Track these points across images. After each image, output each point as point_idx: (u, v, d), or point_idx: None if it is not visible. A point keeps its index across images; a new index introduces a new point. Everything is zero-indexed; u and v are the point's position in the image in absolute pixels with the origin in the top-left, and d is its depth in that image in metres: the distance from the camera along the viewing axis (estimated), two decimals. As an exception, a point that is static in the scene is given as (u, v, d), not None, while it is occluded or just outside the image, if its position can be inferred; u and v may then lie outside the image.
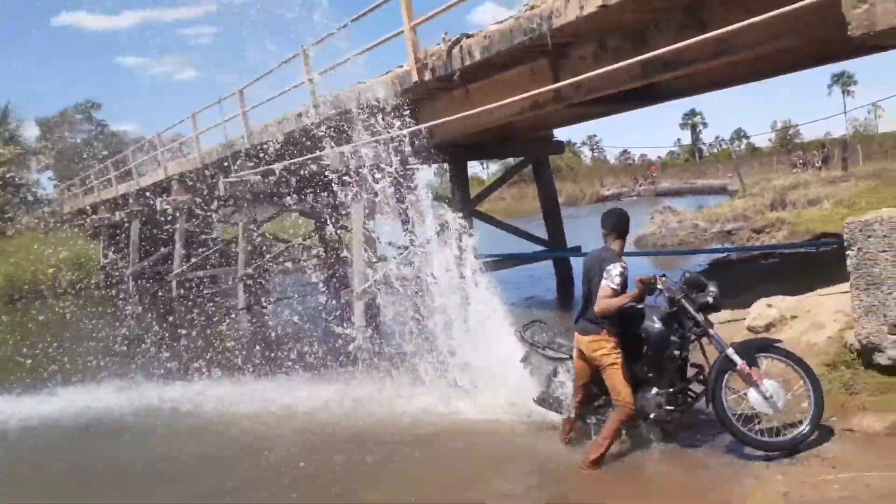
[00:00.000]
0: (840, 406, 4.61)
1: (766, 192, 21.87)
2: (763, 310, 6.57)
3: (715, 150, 77.24)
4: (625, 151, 77.93)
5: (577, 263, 11.77)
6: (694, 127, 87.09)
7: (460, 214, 7.92)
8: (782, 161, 43.47)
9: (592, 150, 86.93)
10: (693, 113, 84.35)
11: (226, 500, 4.92)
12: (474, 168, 59.61)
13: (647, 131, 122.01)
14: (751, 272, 11.08)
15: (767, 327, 6.36)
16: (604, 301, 4.48)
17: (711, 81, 10.23)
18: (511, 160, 16.78)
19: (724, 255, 13.62)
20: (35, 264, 25.20)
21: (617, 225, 4.72)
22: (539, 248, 13.43)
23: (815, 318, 5.95)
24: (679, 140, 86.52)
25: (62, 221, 31.72)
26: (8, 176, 32.68)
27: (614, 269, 4.46)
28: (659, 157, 72.88)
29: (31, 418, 7.42)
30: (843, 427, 4.34)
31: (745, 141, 76.84)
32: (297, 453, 5.53)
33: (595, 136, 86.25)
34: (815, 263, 9.85)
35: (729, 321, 7.26)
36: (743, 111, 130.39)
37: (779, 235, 14.32)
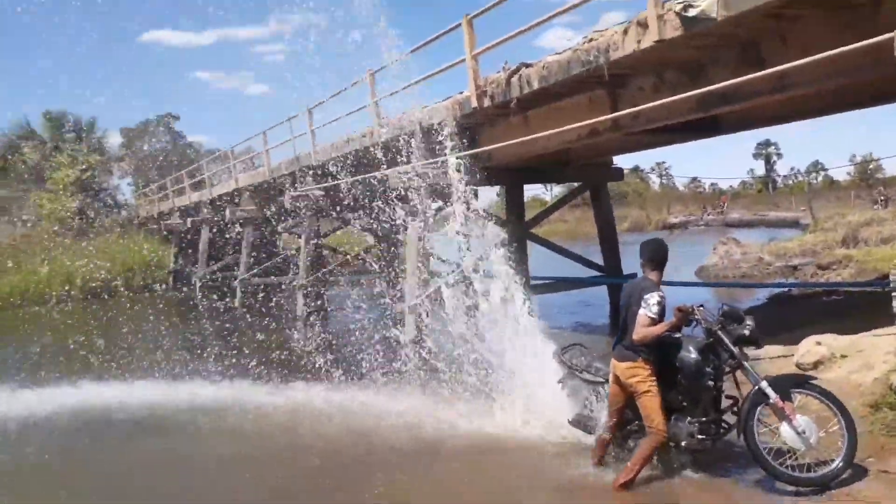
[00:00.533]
0: (880, 447, 4.58)
1: (839, 227, 21.20)
2: (812, 347, 6.54)
3: (789, 182, 74.91)
4: (694, 179, 76.46)
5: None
6: (768, 158, 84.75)
7: (504, 239, 8.10)
8: (861, 196, 41.93)
9: (661, 176, 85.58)
10: (767, 143, 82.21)
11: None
12: (537, 189, 59.58)
13: (719, 160, 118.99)
14: (811, 309, 10.88)
15: (815, 365, 6.34)
16: (642, 329, 4.60)
17: (772, 115, 10.17)
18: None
19: (786, 290, 13.34)
20: (111, 264, 26.60)
21: (655, 256, 4.84)
22: (594, 273, 13.46)
23: (866, 359, 5.91)
24: (752, 170, 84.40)
25: (138, 225, 33.39)
26: (92, 181, 34.57)
27: (652, 299, 4.58)
28: (730, 186, 71.19)
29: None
30: (880, 468, 4.31)
31: (822, 174, 74.30)
32: (339, 453, 5.80)
33: (664, 162, 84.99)
34: (878, 303, 9.59)
35: (780, 356, 7.23)
36: (820, 143, 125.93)
37: (845, 273, 13.94)
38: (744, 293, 14.32)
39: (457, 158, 10.35)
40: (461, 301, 7.99)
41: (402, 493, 5.07)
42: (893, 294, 4.78)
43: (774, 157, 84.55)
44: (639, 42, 7.22)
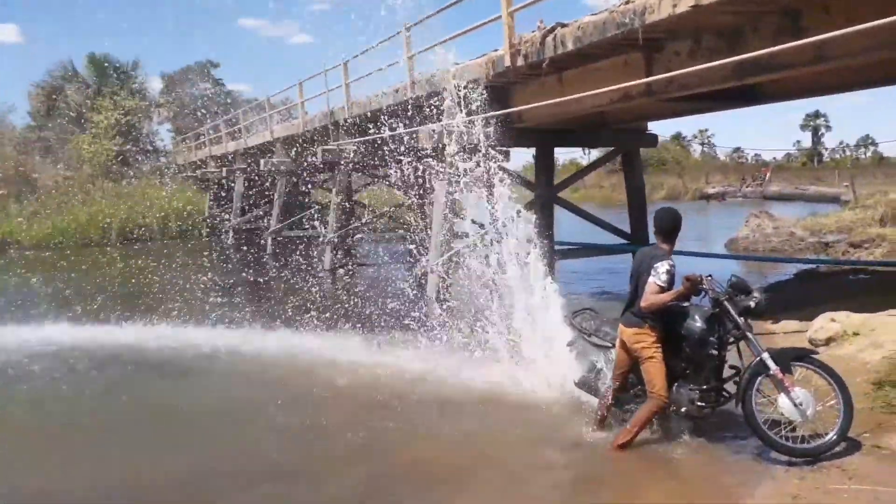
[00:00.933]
0: (877, 424, 4.63)
1: (879, 205, 20.72)
2: (826, 323, 6.56)
3: (836, 156, 72.71)
4: (737, 149, 74.68)
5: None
6: (816, 130, 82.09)
7: (520, 208, 8.14)
8: (910, 172, 40.68)
9: (703, 144, 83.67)
10: (817, 115, 79.43)
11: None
12: (575, 153, 58.82)
13: (765, 130, 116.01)
14: (835, 286, 10.74)
15: (827, 341, 6.36)
16: (650, 297, 4.68)
17: (814, 86, 9.92)
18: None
19: (813, 266, 13.18)
20: (148, 210, 27.29)
21: (666, 225, 4.89)
22: (620, 240, 13.43)
23: (877, 337, 5.91)
24: (799, 142, 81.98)
25: (175, 172, 34.03)
26: (132, 126, 35.20)
27: (662, 267, 4.65)
28: (774, 158, 69.28)
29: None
30: (873, 444, 4.37)
31: (871, 148, 71.88)
32: (360, 406, 6.06)
33: (707, 130, 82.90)
34: (905, 283, 9.50)
35: (795, 331, 7.26)
36: (874, 116, 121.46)
37: (877, 252, 13.69)
38: (772, 267, 14.19)
39: (486, 119, 10.37)
40: (484, 262, 8.09)
41: (413, 448, 5.27)
42: (907, 274, 4.73)
43: (823, 130, 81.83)
44: (674, 6, 7.10)
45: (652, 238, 5.15)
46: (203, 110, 37.88)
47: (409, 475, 4.79)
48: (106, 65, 36.71)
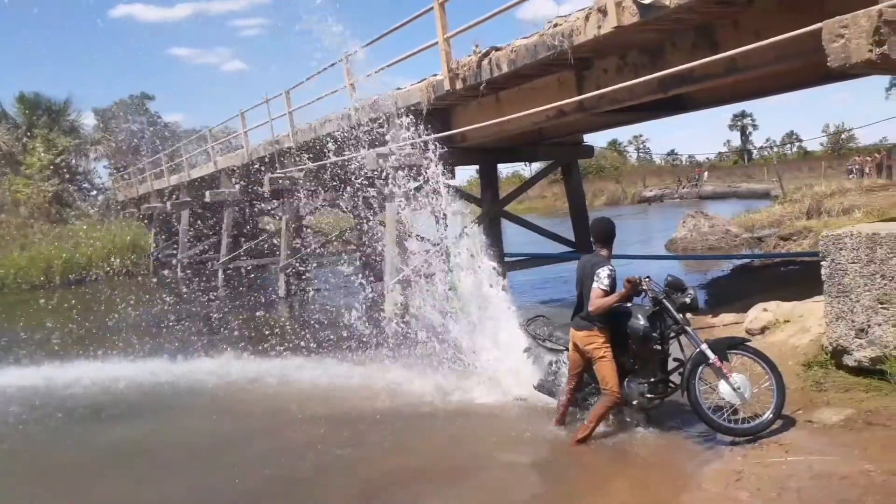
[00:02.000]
0: (809, 401, 5.09)
1: (806, 198, 21.86)
2: (760, 313, 7.06)
3: (765, 153, 75.77)
4: (672, 152, 77.21)
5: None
6: (743, 129, 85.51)
7: (474, 222, 8.47)
8: (833, 166, 42.78)
9: (638, 150, 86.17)
10: (743, 114, 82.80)
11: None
12: (518, 166, 59.84)
13: (697, 131, 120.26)
14: (768, 278, 11.43)
15: (762, 330, 6.86)
16: (596, 301, 5.06)
17: (733, 94, 10.61)
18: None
19: (748, 260, 13.93)
20: (91, 249, 26.65)
21: (602, 233, 5.32)
22: (566, 248, 13.92)
23: (804, 323, 6.42)
24: (729, 142, 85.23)
25: (117, 210, 33.33)
26: (68, 165, 34.33)
27: (603, 272, 5.04)
28: (707, 158, 71.88)
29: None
30: (806, 419, 4.82)
31: (796, 144, 75.21)
32: (326, 424, 6.25)
33: (641, 135, 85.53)
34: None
35: (733, 323, 7.77)
36: (796, 113, 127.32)
37: (805, 244, 14.52)
38: (712, 264, 14.90)
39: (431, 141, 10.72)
40: (438, 278, 8.38)
41: (390, 457, 5.51)
42: (822, 263, 5.25)
43: (750, 129, 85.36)
44: (599, 28, 7.60)
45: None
46: (141, 144, 37.31)
47: (394, 480, 5.06)
48: (36, 104, 35.73)
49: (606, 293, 5.03)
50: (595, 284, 5.04)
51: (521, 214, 16.81)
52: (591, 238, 5.38)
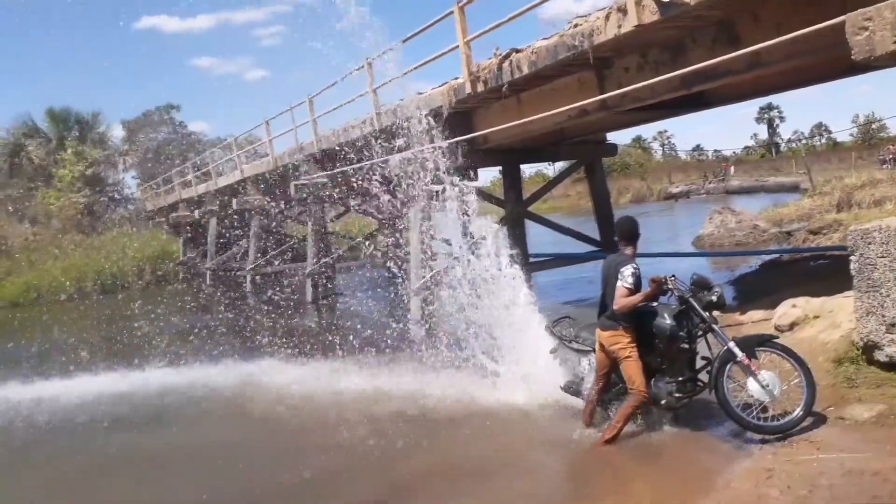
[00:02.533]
0: (840, 398, 5.05)
1: (836, 191, 21.50)
2: (788, 309, 7.00)
3: (793, 146, 74.65)
4: (697, 147, 76.45)
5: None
6: (770, 122, 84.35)
7: (497, 226, 8.49)
8: (863, 157, 41.99)
9: (663, 146, 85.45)
10: (770, 107, 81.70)
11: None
12: (540, 166, 59.69)
13: (722, 126, 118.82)
14: (798, 273, 11.28)
15: (791, 326, 6.80)
16: (621, 300, 5.07)
17: (757, 89, 10.53)
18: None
19: (776, 255, 13.76)
20: (121, 259, 27.20)
21: (626, 232, 5.33)
22: (591, 248, 13.87)
23: (834, 318, 6.35)
24: (755, 135, 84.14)
25: (146, 219, 33.93)
26: (98, 177, 35.07)
27: (627, 271, 5.06)
28: (734, 152, 71.00)
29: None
30: (837, 416, 4.78)
31: (825, 136, 73.99)
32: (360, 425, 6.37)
33: (666, 131, 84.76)
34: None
35: (762, 320, 7.70)
36: (823, 105, 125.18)
37: (835, 237, 14.29)
38: (740, 260, 14.73)
39: (451, 142, 10.79)
40: (464, 281, 8.42)
41: (420, 456, 5.60)
42: (851, 258, 5.20)
43: (777, 121, 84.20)
44: (619, 27, 7.60)
45: None
46: (169, 154, 37.92)
47: (421, 479, 5.17)
48: (66, 118, 36.57)
49: (631, 292, 5.04)
50: (619, 283, 5.06)
51: (546, 214, 16.80)
52: (616, 237, 5.40)
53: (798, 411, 4.69)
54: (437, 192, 11.98)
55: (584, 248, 13.83)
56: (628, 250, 5.30)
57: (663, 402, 5.17)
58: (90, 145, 36.12)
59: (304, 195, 16.40)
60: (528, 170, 54.97)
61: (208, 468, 5.93)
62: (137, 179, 42.07)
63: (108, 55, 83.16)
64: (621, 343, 5.15)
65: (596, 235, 13.76)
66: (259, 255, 21.18)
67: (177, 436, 7.03)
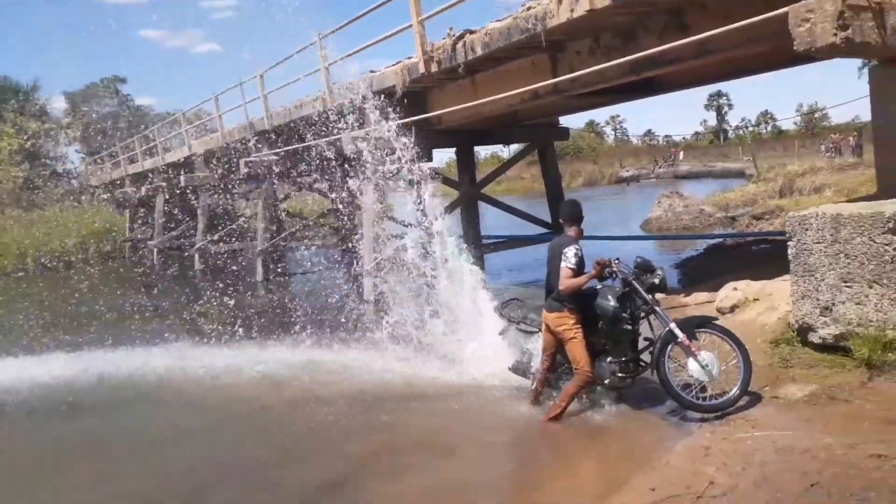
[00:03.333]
0: (775, 377, 5.24)
1: (779, 177, 22.20)
2: (730, 292, 7.20)
3: (740, 133, 76.50)
4: (648, 132, 77.72)
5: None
6: (719, 109, 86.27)
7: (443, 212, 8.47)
8: (805, 145, 43.31)
9: (615, 130, 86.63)
10: (719, 94, 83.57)
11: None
12: (495, 148, 59.85)
13: (673, 111, 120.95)
14: (740, 257, 11.65)
15: (732, 308, 7.00)
16: (566, 281, 5.16)
17: (703, 76, 10.75)
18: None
19: (721, 240, 14.16)
20: (63, 235, 26.29)
21: (570, 214, 5.46)
22: (543, 230, 14.00)
23: (773, 302, 6.56)
24: (705, 121, 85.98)
25: (90, 194, 32.83)
26: (36, 149, 33.67)
27: (570, 252, 5.17)
28: (683, 138, 72.37)
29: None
30: (772, 395, 4.96)
31: (770, 124, 76.04)
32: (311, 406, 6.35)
33: (618, 116, 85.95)
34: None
35: (705, 302, 7.91)
36: (771, 93, 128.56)
37: (777, 223, 14.78)
38: (686, 244, 15.11)
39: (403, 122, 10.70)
40: (416, 262, 8.42)
41: (367, 435, 5.62)
42: (788, 243, 5.38)
43: (725, 108, 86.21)
44: (572, 11, 7.62)
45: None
46: (114, 129, 36.63)
47: (374, 454, 5.23)
48: (3, 88, 34.96)
49: (574, 272, 5.14)
50: (563, 264, 5.16)
51: (500, 196, 16.86)
52: (560, 220, 5.49)
53: (734, 391, 4.86)
54: (392, 171, 11.93)
55: (537, 230, 13.96)
56: (571, 231, 5.40)
57: (607, 381, 5.30)
58: (29, 117, 34.62)
59: (255, 173, 16.09)
60: (483, 151, 55.19)
61: (154, 454, 5.79)
62: (81, 154, 40.69)
63: (49, 24, 79.69)
64: (567, 324, 5.23)
65: (548, 218, 13.90)
66: (207, 233, 20.74)
67: (120, 421, 6.82)
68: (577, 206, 5.52)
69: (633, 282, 5.16)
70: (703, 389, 4.93)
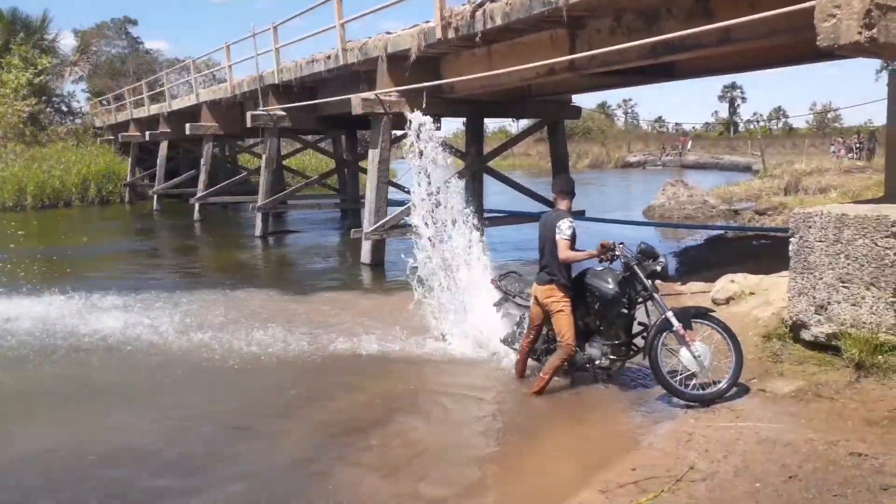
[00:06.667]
0: (764, 371, 5.28)
1: (786, 175, 22.13)
2: (726, 284, 7.23)
3: (751, 127, 75.98)
4: (659, 119, 77.17)
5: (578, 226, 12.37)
6: (732, 101, 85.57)
7: (455, 176, 8.41)
8: (815, 145, 43.10)
9: (626, 114, 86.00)
10: (733, 86, 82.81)
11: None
12: (503, 122, 59.44)
13: (687, 99, 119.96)
14: (740, 250, 11.64)
15: (728, 300, 7.03)
16: (566, 252, 5.22)
17: (725, 65, 10.63)
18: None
19: (722, 231, 14.16)
20: (65, 174, 26.18)
21: (563, 188, 5.54)
22: (546, 208, 13.96)
23: (768, 296, 6.60)
24: (716, 112, 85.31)
25: (93, 135, 32.57)
26: (43, 85, 33.23)
27: (564, 224, 5.23)
28: (693, 127, 71.83)
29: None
30: (759, 388, 5.01)
31: (782, 120, 75.47)
32: (297, 366, 6.39)
33: (630, 99, 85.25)
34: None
35: (701, 292, 7.95)
36: (785, 89, 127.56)
37: (779, 219, 14.78)
38: (687, 233, 15.11)
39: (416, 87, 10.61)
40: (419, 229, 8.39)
41: (354, 390, 5.68)
42: (790, 239, 5.38)
43: (739, 101, 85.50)
44: (596, -13, 7.53)
45: (576, 205, 5.79)
46: (123, 71, 36.22)
47: (369, 413, 5.29)
48: (13, 19, 34.37)
49: (569, 243, 5.18)
50: (558, 237, 5.21)
51: (505, 171, 16.81)
52: (553, 193, 5.61)
53: (723, 383, 4.90)
54: (399, 135, 11.85)
55: (540, 207, 13.92)
56: (563, 205, 5.48)
57: (598, 362, 5.34)
58: (38, 52, 34.11)
59: (261, 126, 15.99)
60: (490, 125, 54.78)
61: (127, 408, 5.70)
62: (87, 94, 40.25)
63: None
64: (555, 297, 5.29)
65: (552, 196, 13.82)
66: (209, 184, 20.67)
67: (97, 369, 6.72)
68: (570, 181, 5.66)
69: (636, 267, 5.17)
70: (693, 378, 4.97)
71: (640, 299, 5.26)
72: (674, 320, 4.98)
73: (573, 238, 5.22)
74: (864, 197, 13.82)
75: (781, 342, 5.51)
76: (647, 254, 5.28)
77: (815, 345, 5.26)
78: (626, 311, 5.26)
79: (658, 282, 5.38)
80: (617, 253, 5.25)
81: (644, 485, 3.72)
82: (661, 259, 5.25)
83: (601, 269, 5.39)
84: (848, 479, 3.61)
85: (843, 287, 5.07)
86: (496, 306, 6.21)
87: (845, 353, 4.92)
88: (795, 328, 5.42)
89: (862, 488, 3.52)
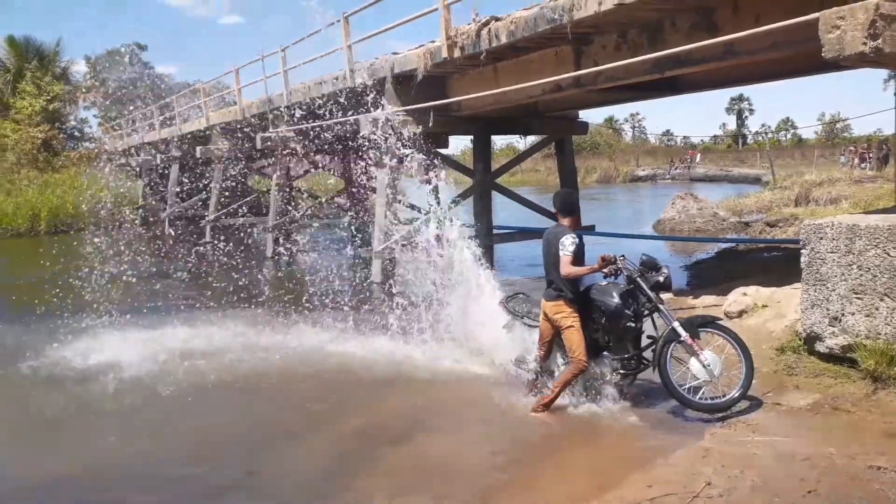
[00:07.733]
0: (779, 384, 5.23)
1: (796, 186, 22.06)
2: (739, 297, 7.19)
3: (760, 139, 75.86)
4: (667, 132, 77.20)
5: (587, 241, 12.34)
6: (740, 113, 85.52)
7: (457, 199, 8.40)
8: (825, 155, 42.92)
9: (634, 128, 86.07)
10: (740, 98, 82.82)
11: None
12: (511, 138, 59.62)
13: (694, 112, 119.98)
14: (752, 263, 11.58)
15: (740, 313, 6.99)
16: (568, 267, 5.21)
17: (729, 78, 10.64)
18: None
19: (733, 244, 14.09)
20: (78, 199, 26.44)
21: (565, 205, 5.53)
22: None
23: (781, 309, 6.55)
24: (724, 125, 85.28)
25: (106, 160, 32.90)
26: (58, 112, 33.72)
27: (566, 241, 5.24)
28: (702, 140, 71.85)
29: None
30: (775, 402, 4.96)
31: (791, 131, 75.33)
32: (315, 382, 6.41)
33: (638, 114, 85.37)
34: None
35: (712, 305, 7.90)
36: (792, 100, 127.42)
37: (790, 231, 14.70)
38: (697, 246, 15.06)
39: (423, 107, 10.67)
40: (426, 248, 8.41)
41: (375, 417, 5.67)
42: (802, 251, 5.35)
43: (746, 113, 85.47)
44: (600, 4, 7.56)
45: (585, 221, 5.78)
46: (133, 95, 36.64)
47: (384, 430, 5.31)
48: (27, 47, 34.94)
49: (573, 259, 5.18)
50: (561, 253, 5.21)
51: (513, 187, 16.81)
52: (555, 210, 5.58)
53: (734, 392, 4.86)
54: (403, 156, 11.92)
55: (549, 223, 13.90)
56: (566, 221, 5.48)
57: (608, 378, 5.30)
58: (51, 79, 34.65)
59: (271, 148, 16.11)
60: (499, 141, 55.01)
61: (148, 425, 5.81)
62: (98, 119, 40.81)
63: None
64: (564, 312, 5.27)
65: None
66: (220, 205, 20.81)
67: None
68: (571, 196, 5.72)
69: (638, 279, 5.16)
70: (704, 389, 4.92)
71: (646, 311, 5.23)
72: (680, 330, 4.95)
73: (575, 254, 5.21)
74: (875, 207, 13.76)
75: (796, 355, 5.47)
76: (650, 265, 5.27)
77: (830, 357, 5.21)
78: (632, 324, 5.22)
79: (670, 295, 5.36)
80: (618, 266, 5.24)
81: (660, 501, 3.68)
82: (664, 270, 5.23)
83: (605, 283, 5.37)
84: (868, 494, 3.56)
85: (857, 298, 5.02)
86: (505, 328, 6.21)
87: (861, 365, 4.87)
88: (810, 340, 5.37)
89: (883, 502, 3.47)
